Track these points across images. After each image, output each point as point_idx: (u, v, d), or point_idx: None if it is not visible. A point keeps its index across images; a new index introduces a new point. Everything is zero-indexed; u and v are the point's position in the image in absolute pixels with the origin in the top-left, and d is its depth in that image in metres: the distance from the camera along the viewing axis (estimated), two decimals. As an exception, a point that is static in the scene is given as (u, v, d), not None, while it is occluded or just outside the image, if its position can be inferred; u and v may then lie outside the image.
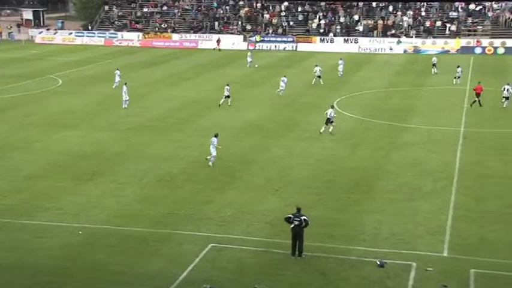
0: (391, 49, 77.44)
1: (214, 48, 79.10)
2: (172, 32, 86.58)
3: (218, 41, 79.91)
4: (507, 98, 44.97)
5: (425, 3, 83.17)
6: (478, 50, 75.13)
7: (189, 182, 29.52)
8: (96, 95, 51.11)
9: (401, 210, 25.87)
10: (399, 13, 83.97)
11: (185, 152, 34.33)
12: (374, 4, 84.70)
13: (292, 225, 21.48)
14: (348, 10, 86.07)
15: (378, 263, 20.92)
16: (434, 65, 60.81)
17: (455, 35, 78.81)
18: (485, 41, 76.35)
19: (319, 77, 54.61)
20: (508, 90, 44.97)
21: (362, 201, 26.93)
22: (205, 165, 32.00)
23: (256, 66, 64.95)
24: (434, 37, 79.16)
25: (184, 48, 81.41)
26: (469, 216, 25.22)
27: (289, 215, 21.76)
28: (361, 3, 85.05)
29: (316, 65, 55.94)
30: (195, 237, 23.26)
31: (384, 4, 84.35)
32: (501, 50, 74.66)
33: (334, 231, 23.75)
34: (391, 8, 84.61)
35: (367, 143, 36.02)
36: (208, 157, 31.75)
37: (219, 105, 45.63)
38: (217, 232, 23.71)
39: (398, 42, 78.08)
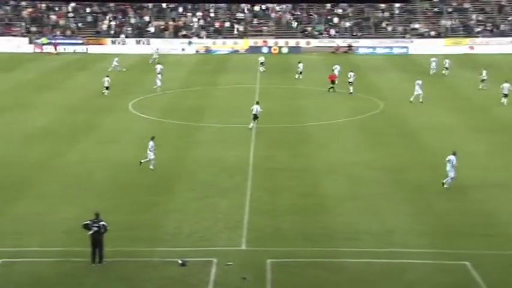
0: (183, 50, 78.49)
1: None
2: None
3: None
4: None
5: (213, 4, 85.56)
6: (264, 50, 78.84)
7: (-25, 195, 27.51)
8: None
9: (201, 208, 26.42)
10: (189, 14, 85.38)
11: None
12: (164, 5, 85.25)
13: (91, 232, 20.97)
14: (138, 11, 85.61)
15: (180, 262, 21.18)
16: (262, 63, 62.97)
17: (243, 35, 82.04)
18: (271, 41, 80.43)
19: None
20: (419, 84, 48.98)
21: (162, 202, 27.05)
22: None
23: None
24: (224, 37, 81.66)
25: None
26: (264, 209, 26.44)
27: (87, 222, 21.20)
28: (150, 4, 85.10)
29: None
30: (-16, 253, 21.78)
31: (173, 5, 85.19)
32: (285, 50, 79.18)
33: (136, 234, 23.61)
34: (181, 9, 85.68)
35: (164, 144, 36.09)
36: (143, 160, 30.67)
37: (102, 93, 48.52)
38: (11, 246, 22.44)
39: (190, 43, 79.40)
